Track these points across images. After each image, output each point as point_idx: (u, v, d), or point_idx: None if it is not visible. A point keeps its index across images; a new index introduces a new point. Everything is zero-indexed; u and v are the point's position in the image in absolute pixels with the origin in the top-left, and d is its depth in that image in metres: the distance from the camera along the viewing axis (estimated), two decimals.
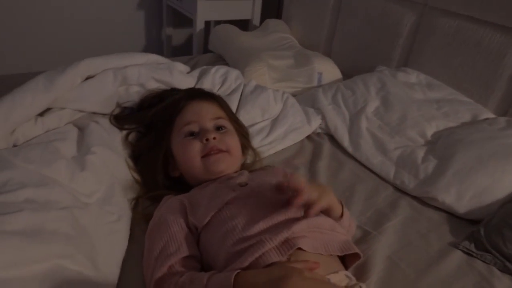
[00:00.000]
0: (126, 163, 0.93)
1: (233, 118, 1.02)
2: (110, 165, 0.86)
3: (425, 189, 1.03)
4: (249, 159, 1.05)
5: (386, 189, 1.09)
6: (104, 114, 1.00)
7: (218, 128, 0.91)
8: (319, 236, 0.69)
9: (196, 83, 1.20)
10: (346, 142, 1.23)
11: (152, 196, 0.90)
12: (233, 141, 0.91)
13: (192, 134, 0.89)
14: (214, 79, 1.23)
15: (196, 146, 0.86)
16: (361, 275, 0.78)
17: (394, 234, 0.92)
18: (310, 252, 0.64)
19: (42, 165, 0.75)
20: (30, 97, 0.83)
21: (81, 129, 0.92)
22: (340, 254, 0.69)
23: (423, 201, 1.05)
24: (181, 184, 0.93)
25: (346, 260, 0.73)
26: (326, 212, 0.74)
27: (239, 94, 1.23)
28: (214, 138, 0.86)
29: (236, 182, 0.82)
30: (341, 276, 0.65)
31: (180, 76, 1.13)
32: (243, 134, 1.03)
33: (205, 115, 0.91)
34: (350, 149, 1.21)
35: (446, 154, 1.09)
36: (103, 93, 0.97)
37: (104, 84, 0.97)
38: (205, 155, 0.86)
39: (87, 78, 0.96)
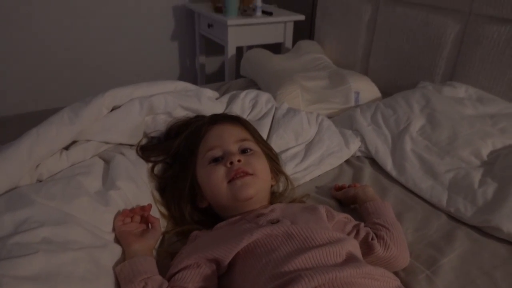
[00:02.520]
0: (152, 196, 0.88)
1: (260, 140, 0.96)
2: (135, 200, 0.81)
3: (486, 217, 0.90)
4: (281, 187, 0.97)
5: (438, 218, 0.96)
6: (131, 145, 0.96)
7: (244, 151, 0.86)
8: (370, 283, 0.59)
9: (225, 109, 1.15)
10: (389, 165, 1.13)
11: (179, 231, 0.84)
12: (259, 163, 0.85)
13: (216, 159, 0.83)
14: (244, 104, 1.18)
15: (220, 171, 0.81)
16: None
17: (451, 272, 0.80)
18: None
19: (63, 202, 0.71)
20: (55, 131, 0.81)
21: (107, 162, 0.88)
22: None
23: (484, 232, 0.91)
24: (209, 216, 0.87)
25: None
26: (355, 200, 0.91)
27: (271, 118, 1.16)
28: (239, 161, 0.81)
29: (267, 219, 0.74)
30: None
31: (208, 102, 1.09)
32: (272, 157, 0.96)
33: (228, 138, 0.86)
34: (394, 173, 1.11)
35: (508, 176, 0.96)
36: (129, 123, 0.94)
37: (130, 114, 0.94)
38: (231, 180, 0.80)
39: (113, 109, 0.94)
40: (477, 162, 1.07)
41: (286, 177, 0.98)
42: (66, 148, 0.86)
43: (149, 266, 0.69)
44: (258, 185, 0.82)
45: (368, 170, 1.13)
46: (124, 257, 0.71)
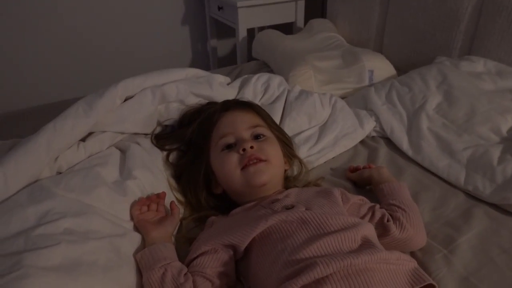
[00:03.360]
0: (168, 183, 0.89)
1: (273, 126, 0.96)
2: (152, 188, 0.83)
3: (505, 195, 0.88)
4: (295, 170, 0.98)
5: (456, 197, 0.95)
6: (145, 134, 0.98)
7: (256, 137, 0.86)
8: (385, 267, 0.60)
9: (237, 94, 1.15)
10: (405, 144, 1.11)
11: (196, 217, 0.86)
12: (272, 149, 0.85)
13: (229, 146, 0.84)
14: (256, 88, 1.17)
15: (233, 158, 0.82)
16: None
17: (470, 251, 0.79)
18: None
19: (82, 193, 0.73)
20: (71, 124, 0.83)
21: (123, 151, 0.90)
22: None
23: (503, 209, 0.90)
24: (225, 202, 0.89)
25: None
26: (370, 181, 0.93)
27: (283, 101, 1.16)
28: (252, 147, 0.81)
29: (282, 205, 0.75)
30: None
31: (220, 88, 1.08)
32: (286, 142, 0.96)
33: (240, 124, 0.86)
34: (410, 153, 1.09)
35: None
36: (143, 113, 0.95)
37: (143, 103, 0.95)
38: (244, 167, 0.80)
39: (126, 99, 0.95)
40: (496, 138, 1.04)
41: (300, 161, 0.98)
42: (83, 140, 0.88)
43: (169, 253, 0.70)
44: (271, 171, 0.82)
45: (383, 150, 1.12)
46: (144, 245, 0.73)
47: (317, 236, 0.65)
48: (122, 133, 0.94)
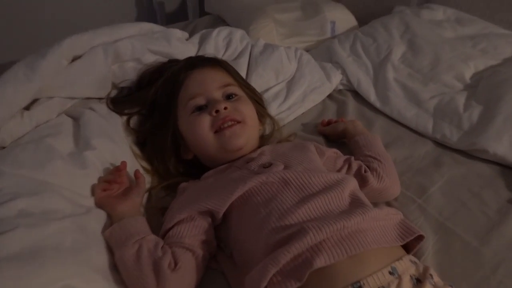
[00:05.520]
0: (132, 151, 0.82)
1: (244, 84, 0.90)
2: (114, 158, 0.75)
3: (472, 141, 0.90)
4: (267, 129, 0.93)
5: (425, 145, 0.96)
6: (100, 99, 0.88)
7: (228, 96, 0.80)
8: (376, 225, 0.58)
9: (198, 50, 1.06)
10: (372, 96, 1.10)
11: (166, 185, 0.80)
12: (247, 109, 0.80)
13: (199, 108, 0.77)
14: (217, 43, 1.09)
15: (205, 121, 0.75)
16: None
17: (442, 198, 0.81)
18: (373, 247, 0.54)
19: (34, 169, 0.64)
20: (11, 90, 0.71)
21: (76, 119, 0.80)
22: (401, 243, 0.59)
23: (470, 155, 0.92)
24: (196, 167, 0.83)
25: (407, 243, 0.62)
26: (344, 135, 0.92)
27: (248, 57, 1.08)
28: (225, 108, 0.75)
29: (258, 163, 0.71)
30: (407, 263, 0.55)
31: (179, 44, 0.99)
32: (257, 100, 0.91)
33: (211, 84, 0.79)
34: (378, 104, 1.08)
35: (492, 97, 0.95)
36: (95, 74, 0.84)
37: (94, 63, 0.84)
38: (218, 130, 0.75)
39: (74, 60, 0.83)
40: (460, 86, 1.05)
41: (272, 119, 0.94)
42: (27, 108, 0.77)
43: (141, 226, 0.65)
44: (247, 133, 0.77)
45: (351, 103, 1.10)
46: (110, 222, 0.66)
47: (303, 198, 0.62)
48: (72, 98, 0.83)
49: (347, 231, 0.56)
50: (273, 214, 0.60)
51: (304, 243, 0.53)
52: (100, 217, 0.65)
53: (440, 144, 0.96)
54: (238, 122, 0.76)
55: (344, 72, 1.17)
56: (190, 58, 0.91)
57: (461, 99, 0.99)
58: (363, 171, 0.78)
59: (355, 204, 0.63)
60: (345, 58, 1.19)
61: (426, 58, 1.11)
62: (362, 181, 0.76)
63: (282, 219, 0.59)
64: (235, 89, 0.82)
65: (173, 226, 0.66)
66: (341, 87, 1.17)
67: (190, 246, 0.63)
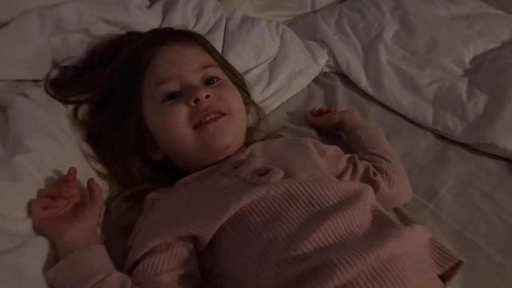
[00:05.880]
0: (82, 151, 0.63)
1: (224, 64, 0.73)
2: (57, 163, 0.56)
3: (479, 134, 0.81)
4: (250, 119, 0.78)
5: (426, 138, 0.85)
6: (35, 81, 0.67)
7: (209, 81, 0.63)
8: (410, 249, 0.46)
9: (163, 21, 0.87)
10: (363, 81, 0.97)
11: (128, 195, 0.62)
12: (234, 97, 0.64)
13: (172, 96, 0.60)
14: (186, 14, 0.89)
15: (181, 113, 0.59)
16: None
17: (454, 202, 0.71)
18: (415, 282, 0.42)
19: None
20: None
21: (3, 110, 0.60)
22: (441, 272, 0.47)
23: (474, 149, 0.83)
24: (166, 169, 0.67)
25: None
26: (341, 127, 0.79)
27: (223, 31, 0.91)
28: (207, 97, 0.59)
29: (250, 169, 0.56)
30: None
31: (140, 13, 0.79)
32: (240, 85, 0.75)
33: (186, 64, 0.62)
34: (370, 90, 0.96)
35: (497, 85, 0.87)
36: (28, 48, 0.63)
37: (27, 33, 0.63)
38: (198, 124, 0.59)
39: None
40: (459, 71, 0.96)
41: (257, 108, 0.78)
42: None
43: (99, 261, 0.48)
44: (235, 127, 0.62)
45: (340, 89, 0.97)
46: (57, 254, 0.49)
47: (316, 216, 0.48)
48: None
49: (379, 261, 0.43)
50: (279, 240, 0.46)
51: (330, 284, 0.40)
52: (40, 249, 0.48)
53: (441, 137, 0.86)
54: (223, 114, 0.60)
55: (330, 53, 1.03)
56: (156, 30, 0.73)
57: (462, 86, 0.90)
58: (371, 174, 0.65)
59: (380, 221, 0.50)
60: (331, 36, 1.05)
61: (421, 39, 1.00)
62: (371, 186, 0.64)
63: (292, 246, 0.45)
64: (217, 72, 0.65)
65: (143, 257, 0.49)
66: (327, 69, 1.03)
67: (168, 286, 0.47)
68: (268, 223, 0.48)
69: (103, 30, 0.73)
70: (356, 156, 0.68)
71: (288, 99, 0.92)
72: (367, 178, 0.65)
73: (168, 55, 0.63)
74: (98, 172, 0.63)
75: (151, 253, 0.49)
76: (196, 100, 0.58)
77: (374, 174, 0.65)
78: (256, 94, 0.85)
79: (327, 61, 1.02)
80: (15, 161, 0.51)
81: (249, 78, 0.87)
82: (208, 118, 0.58)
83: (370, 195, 0.53)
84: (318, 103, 0.93)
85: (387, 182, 0.65)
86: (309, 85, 0.97)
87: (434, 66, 0.95)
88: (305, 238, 0.45)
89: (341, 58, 1.01)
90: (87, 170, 0.61)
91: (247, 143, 0.68)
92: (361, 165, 0.66)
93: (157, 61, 0.62)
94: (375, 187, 0.64)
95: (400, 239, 0.45)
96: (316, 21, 1.10)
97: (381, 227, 0.48)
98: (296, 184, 0.51)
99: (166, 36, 0.66)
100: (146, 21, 0.80)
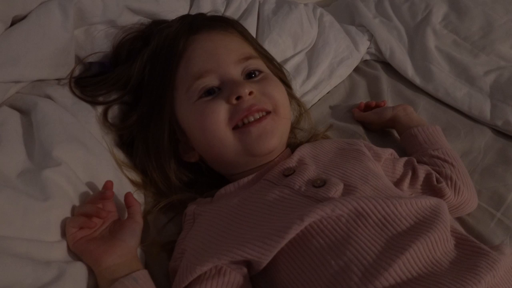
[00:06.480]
0: (114, 158, 0.57)
1: (264, 54, 0.66)
2: (91, 175, 0.50)
3: None
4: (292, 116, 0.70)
5: (483, 135, 0.77)
6: (58, 80, 0.60)
7: (250, 75, 0.56)
8: (505, 279, 0.39)
9: (190, 8, 0.78)
10: (410, 70, 0.88)
11: (165, 206, 0.56)
12: (279, 92, 0.57)
13: (210, 92, 0.54)
14: None
15: (220, 112, 0.52)
16: None
17: None
18: None
19: None
20: None
21: (26, 114, 0.54)
22: None
23: None
24: (202, 174, 0.60)
25: None
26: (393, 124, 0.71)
27: (256, 17, 0.83)
28: (251, 94, 0.52)
29: (303, 179, 0.49)
30: None
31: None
32: (283, 79, 0.68)
33: (225, 56, 0.55)
34: (417, 81, 0.87)
35: None
36: (50, 45, 0.56)
37: (47, 27, 0.56)
38: (239, 125, 0.53)
39: (14, 22, 0.55)
40: None
41: (299, 103, 0.71)
42: None
43: None
44: (281, 128, 0.55)
45: (384, 79, 0.88)
46: (95, 282, 0.43)
47: (392, 241, 0.41)
48: (17, 82, 0.55)
49: None
50: (353, 271, 0.40)
51: None
52: (79, 280, 0.42)
53: (500, 133, 0.78)
54: (268, 112, 0.53)
55: (371, 38, 0.94)
56: (187, 16, 0.65)
57: None
58: (434, 181, 0.58)
59: (465, 246, 0.43)
60: (371, 19, 0.96)
61: (475, 22, 0.90)
62: (435, 195, 0.57)
63: (370, 279, 0.39)
64: (259, 64, 0.58)
65: (191, 283, 0.44)
66: (368, 57, 0.94)
67: None
68: (335, 247, 0.42)
69: (130, 20, 0.66)
70: (415, 160, 0.61)
71: (328, 92, 0.84)
72: (429, 186, 0.58)
73: (204, 45, 0.56)
74: (132, 182, 0.57)
75: (200, 280, 0.44)
76: (238, 98, 0.51)
77: (438, 181, 0.58)
78: (297, 88, 0.77)
79: (367, 48, 0.93)
80: (44, 176, 0.46)
81: (287, 69, 0.79)
82: (252, 118, 0.52)
83: (447, 212, 0.46)
84: (362, 96, 0.85)
85: (453, 190, 0.58)
86: (349, 75, 0.89)
87: (490, 53, 0.86)
88: (385, 270, 0.39)
89: (384, 45, 0.92)
90: (122, 181, 0.55)
91: (290, 144, 0.61)
92: (422, 170, 0.59)
93: (192, 52, 0.55)
94: (440, 197, 0.57)
95: (496, 271, 0.39)
96: (353, 2, 1.00)
97: (469, 254, 0.42)
98: (365, 202, 0.44)
99: (200, 24, 0.59)
100: (175, 8, 0.72)
